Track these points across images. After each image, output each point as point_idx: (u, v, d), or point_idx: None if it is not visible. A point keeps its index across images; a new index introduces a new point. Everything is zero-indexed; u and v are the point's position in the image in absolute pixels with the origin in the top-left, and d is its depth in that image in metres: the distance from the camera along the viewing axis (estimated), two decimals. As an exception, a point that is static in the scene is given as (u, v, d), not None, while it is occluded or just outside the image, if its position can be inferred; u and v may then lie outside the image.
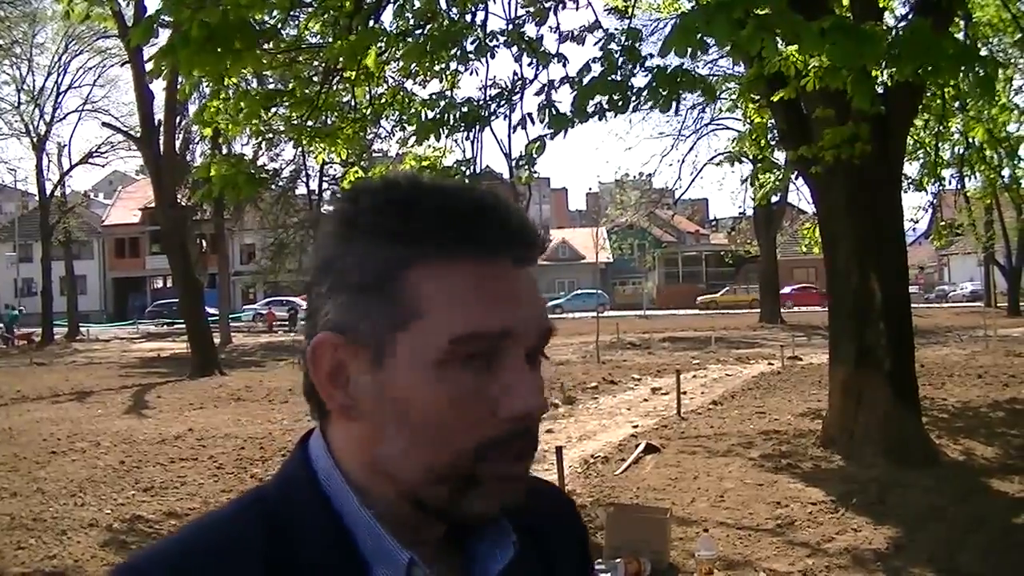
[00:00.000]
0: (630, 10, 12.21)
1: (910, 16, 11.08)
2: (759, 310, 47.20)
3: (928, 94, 13.80)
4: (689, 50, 6.12)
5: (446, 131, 9.99)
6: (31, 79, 48.20)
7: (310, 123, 11.09)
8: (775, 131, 15.04)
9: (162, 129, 28.45)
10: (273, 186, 48.47)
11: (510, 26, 10.16)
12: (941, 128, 17.95)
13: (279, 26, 9.77)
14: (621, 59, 8.20)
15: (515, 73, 10.28)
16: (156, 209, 33.60)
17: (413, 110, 10.53)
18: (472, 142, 10.60)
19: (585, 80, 8.14)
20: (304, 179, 48.49)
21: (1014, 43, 19.17)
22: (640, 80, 8.07)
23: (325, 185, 46.83)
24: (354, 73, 10.44)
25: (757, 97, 12.87)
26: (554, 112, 8.67)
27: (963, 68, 7.15)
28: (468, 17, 10.18)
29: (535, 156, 9.31)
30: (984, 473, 10.14)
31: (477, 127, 10.22)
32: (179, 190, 29.65)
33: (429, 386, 1.01)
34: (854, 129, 9.63)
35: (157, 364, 31.80)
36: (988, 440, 11.88)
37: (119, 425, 15.97)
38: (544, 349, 1.09)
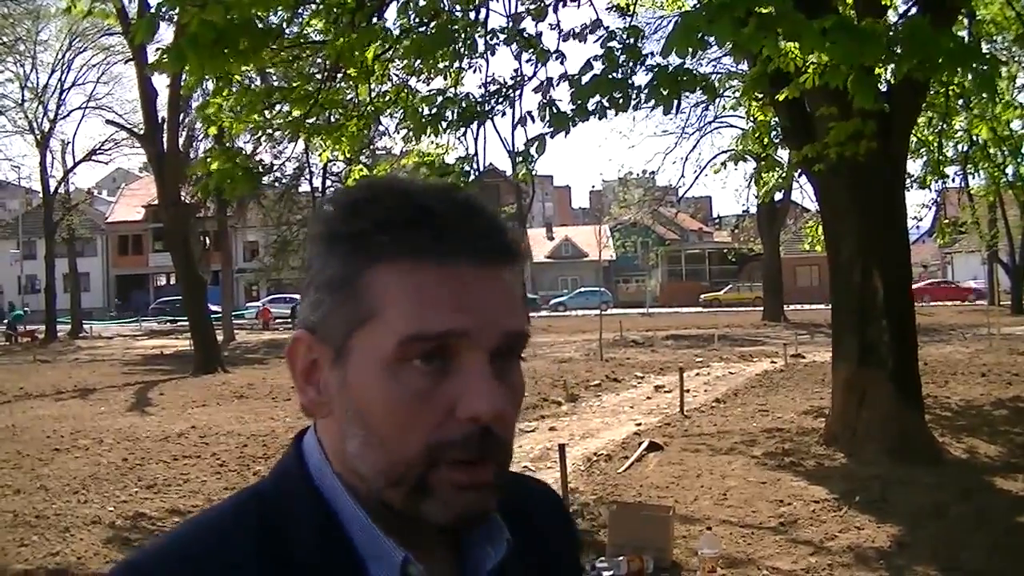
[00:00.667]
0: (632, 8, 12.19)
1: (911, 13, 11.08)
2: (762, 308, 47.17)
3: (932, 92, 13.79)
4: (691, 49, 6.12)
5: (444, 127, 10.00)
6: (35, 76, 48.34)
7: (311, 120, 11.09)
8: (778, 129, 15.03)
9: (165, 126, 28.45)
10: (276, 183, 48.52)
11: (510, 23, 10.16)
12: (945, 126, 17.96)
13: (284, 25, 9.77)
14: (623, 57, 8.19)
15: (515, 70, 10.28)
16: (159, 206, 33.59)
17: (413, 107, 10.54)
18: (475, 139, 10.60)
19: (586, 78, 8.13)
20: (307, 176, 48.46)
21: (1015, 39, 19.14)
22: (642, 78, 8.07)
23: (328, 183, 46.76)
24: (356, 70, 10.45)
25: (760, 95, 12.85)
26: (554, 111, 8.66)
27: (962, 65, 7.14)
28: (472, 15, 10.18)
29: (535, 155, 9.31)
30: (987, 471, 10.13)
31: (476, 124, 10.22)
32: (182, 187, 29.59)
33: (379, 386, 1.01)
34: (859, 125, 9.62)
35: (160, 361, 31.82)
36: (991, 438, 11.87)
37: (122, 422, 15.99)
38: (516, 351, 1.07)
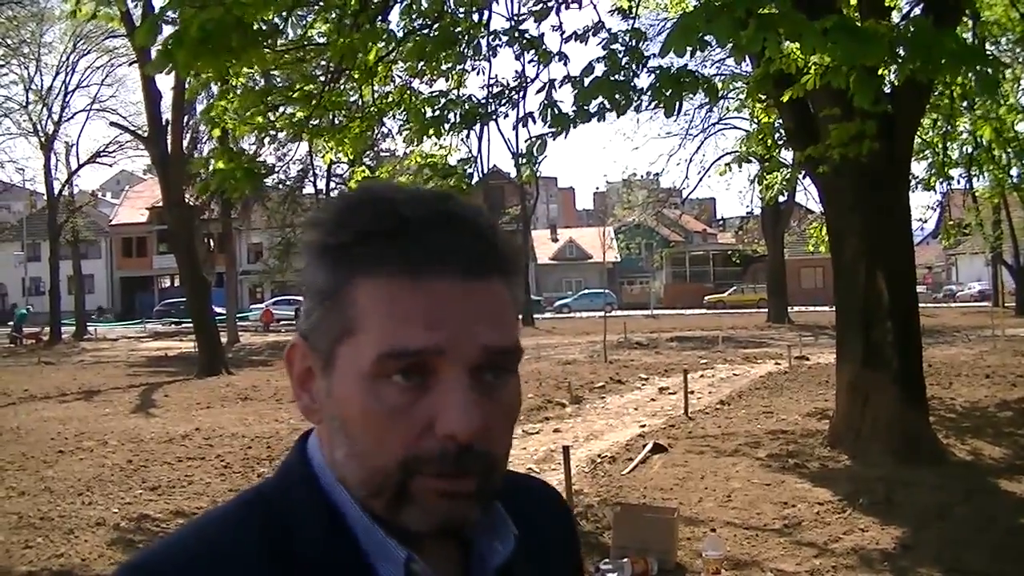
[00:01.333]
0: (634, 10, 12.19)
1: (914, 14, 11.07)
2: (766, 309, 47.15)
3: (936, 93, 13.78)
4: (690, 50, 6.11)
5: (447, 129, 10.00)
6: (39, 79, 48.60)
7: (315, 121, 11.10)
8: (782, 130, 15.03)
9: (169, 128, 28.47)
10: (280, 185, 48.53)
11: (512, 24, 10.17)
12: (949, 127, 17.93)
13: (281, 25, 9.77)
14: (625, 60, 8.19)
15: (518, 72, 10.28)
16: (163, 208, 33.63)
17: (416, 108, 10.55)
18: (478, 141, 10.61)
19: (587, 80, 8.13)
20: (311, 178, 48.46)
21: (1019, 40, 19.13)
22: (644, 80, 8.07)
23: (332, 185, 46.76)
24: (359, 72, 10.46)
25: (764, 97, 12.85)
26: (556, 112, 8.66)
27: (965, 67, 7.14)
28: (474, 17, 10.19)
29: (536, 155, 9.31)
30: (992, 473, 10.12)
31: (479, 126, 10.22)
32: (186, 189, 29.61)
33: (358, 399, 1.02)
34: (861, 126, 9.61)
35: (164, 363, 31.85)
36: (996, 440, 11.86)
37: (126, 424, 16.00)
38: (505, 366, 1.05)
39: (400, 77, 12.38)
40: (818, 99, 10.22)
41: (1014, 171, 23.97)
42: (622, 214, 60.81)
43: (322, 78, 11.45)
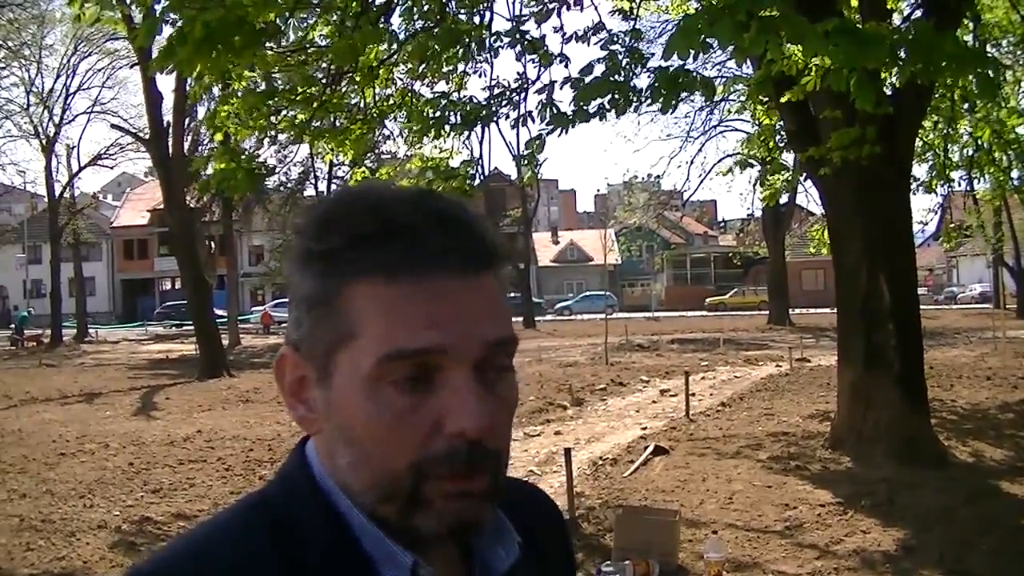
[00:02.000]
0: (635, 11, 12.20)
1: (915, 16, 11.08)
2: (767, 312, 47.14)
3: (937, 95, 13.78)
4: (692, 52, 6.12)
5: (448, 131, 10.01)
6: (40, 81, 48.30)
7: (316, 124, 11.11)
8: (783, 132, 15.03)
9: (171, 131, 28.50)
10: (281, 187, 48.56)
11: (514, 25, 10.17)
12: (950, 130, 17.93)
13: (282, 25, 9.78)
14: (625, 60, 8.20)
15: (519, 73, 10.29)
16: (165, 210, 33.63)
17: (417, 110, 10.56)
18: (479, 143, 10.62)
19: (587, 80, 8.14)
20: (312, 180, 48.49)
21: (1019, 43, 19.14)
22: (643, 81, 8.08)
23: (334, 186, 46.80)
24: (360, 74, 10.47)
25: (765, 99, 12.85)
26: (555, 111, 8.67)
27: (966, 69, 7.14)
28: (476, 19, 10.20)
29: (535, 154, 9.32)
30: (993, 475, 10.11)
31: (480, 127, 10.23)
32: (188, 192, 29.62)
33: (363, 404, 1.01)
34: (861, 131, 9.62)
35: (165, 366, 31.85)
36: (997, 442, 11.85)
37: (128, 427, 16.00)
38: (504, 359, 1.06)
39: (401, 79, 12.39)
40: (819, 101, 10.23)
41: (1015, 173, 23.99)
42: (623, 216, 60.77)
43: (323, 80, 11.47)
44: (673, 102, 7.49)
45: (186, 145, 33.53)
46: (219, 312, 35.37)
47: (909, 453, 10.23)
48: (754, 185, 32.38)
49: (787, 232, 46.75)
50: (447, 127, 9.89)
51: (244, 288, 69.85)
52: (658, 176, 48.81)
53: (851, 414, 11.08)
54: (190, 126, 35.43)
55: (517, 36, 10.03)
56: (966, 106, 17.31)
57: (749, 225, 51.75)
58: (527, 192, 50.87)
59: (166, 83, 41.76)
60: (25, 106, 47.70)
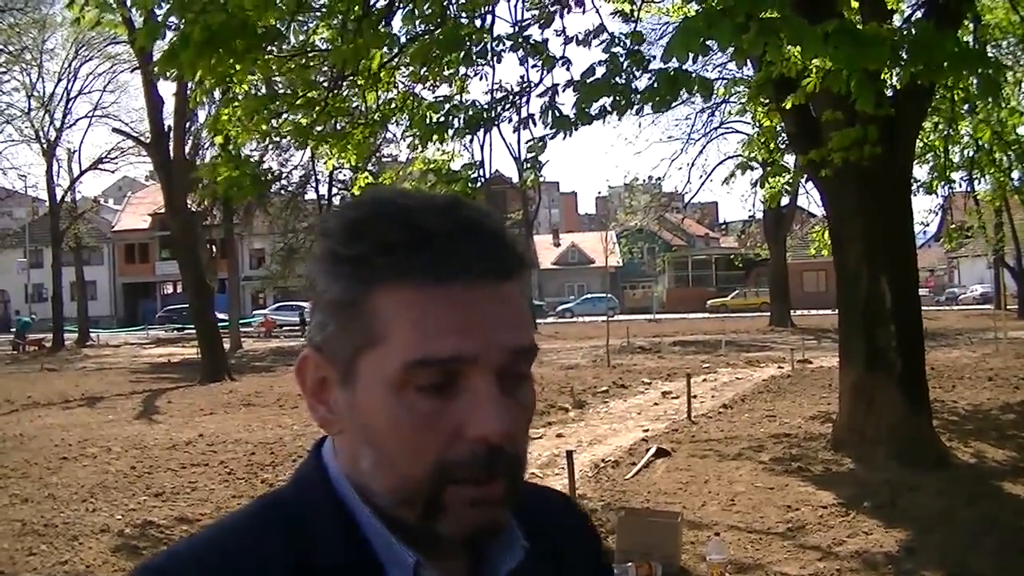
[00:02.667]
0: (636, 14, 12.20)
1: (915, 17, 11.09)
2: (769, 313, 47.14)
3: (937, 96, 13.78)
4: (691, 54, 6.12)
5: (451, 134, 10.01)
6: (41, 85, 48.32)
7: (318, 128, 11.12)
8: (784, 134, 15.03)
9: (172, 135, 28.51)
10: (283, 191, 48.54)
11: (516, 29, 10.18)
12: (950, 131, 17.92)
13: (284, 29, 9.80)
14: (626, 62, 8.20)
15: (521, 77, 10.30)
16: (166, 214, 33.61)
17: (419, 114, 10.56)
18: (481, 146, 10.62)
19: (588, 82, 8.14)
20: (314, 184, 48.50)
21: (1019, 43, 19.15)
22: (643, 83, 8.08)
23: (335, 190, 46.83)
24: (362, 78, 10.48)
25: (766, 101, 12.86)
26: (557, 114, 8.68)
27: (967, 70, 7.15)
28: (477, 22, 10.20)
29: (537, 156, 9.32)
30: (995, 476, 10.12)
31: (483, 131, 10.23)
32: (189, 195, 29.62)
33: (387, 409, 1.02)
34: (862, 132, 9.63)
35: (167, 369, 31.85)
36: (999, 443, 11.85)
37: (130, 430, 16.00)
38: (525, 366, 1.07)
39: (403, 83, 12.39)
40: (820, 102, 10.23)
41: (1015, 174, 23.98)
42: (624, 218, 60.81)
43: (325, 84, 11.47)
44: (669, 101, 7.49)
45: (187, 149, 33.54)
46: (220, 316, 35.36)
47: (911, 454, 10.23)
48: (755, 187, 32.33)
49: (788, 234, 46.75)
50: (450, 131, 9.90)
51: (245, 291, 69.89)
52: (659, 178, 48.70)
53: (853, 415, 11.08)
54: (191, 130, 35.41)
55: (519, 40, 10.04)
56: (966, 107, 17.31)
57: (750, 227, 51.79)
58: (528, 194, 50.89)
59: (167, 87, 41.77)
60: (26, 110, 47.82)
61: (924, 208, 67.08)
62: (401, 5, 10.42)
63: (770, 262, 46.81)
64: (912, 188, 14.24)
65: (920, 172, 19.15)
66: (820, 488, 9.64)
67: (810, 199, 40.41)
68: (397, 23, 10.80)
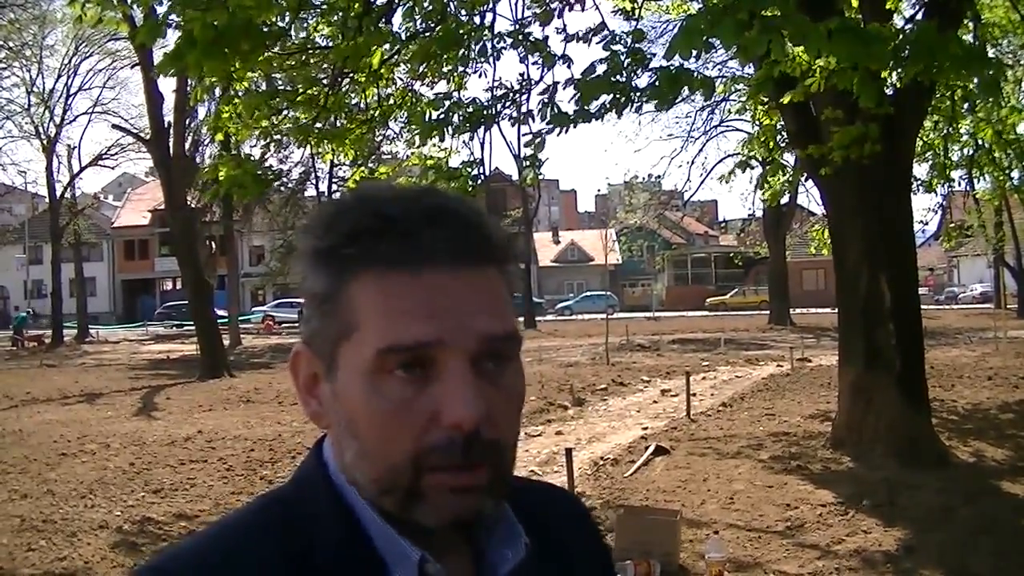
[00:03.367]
0: (636, 12, 12.19)
1: (917, 17, 11.08)
2: (768, 312, 47.14)
3: (937, 95, 13.78)
4: (694, 52, 6.12)
5: (450, 131, 10.01)
6: (41, 81, 48.32)
7: (318, 125, 11.12)
8: (784, 132, 15.02)
9: (171, 131, 28.51)
10: (282, 188, 48.55)
11: (516, 26, 10.18)
12: (950, 129, 17.93)
13: (288, 28, 9.80)
14: (626, 60, 8.20)
15: (521, 74, 10.29)
16: (165, 211, 33.66)
17: (419, 111, 10.56)
18: (481, 144, 10.61)
19: (588, 79, 8.13)
20: (313, 181, 48.51)
21: (1021, 44, 19.16)
22: (644, 80, 8.08)
23: (334, 187, 46.82)
24: (362, 75, 10.48)
25: (766, 99, 12.85)
26: (556, 111, 8.68)
27: (968, 69, 7.15)
28: (477, 19, 10.19)
29: (536, 152, 9.32)
30: (994, 475, 10.12)
31: (482, 128, 10.23)
32: (189, 192, 29.64)
33: (362, 397, 1.03)
34: (863, 129, 9.62)
35: (166, 366, 31.85)
36: (998, 442, 11.86)
37: (129, 427, 16.01)
38: (505, 354, 1.07)
39: (403, 80, 12.39)
40: (820, 101, 10.23)
41: (1015, 173, 23.97)
42: (624, 216, 60.84)
43: (325, 81, 11.46)
44: (670, 99, 7.49)
45: (187, 145, 33.54)
46: (220, 312, 35.37)
47: (910, 453, 10.23)
48: (755, 185, 32.34)
49: (788, 232, 46.74)
50: (450, 128, 9.90)
51: (245, 288, 69.84)
52: (659, 176, 49.02)
53: (852, 414, 11.08)
54: (191, 126, 35.41)
55: (520, 37, 10.04)
56: (967, 106, 17.32)
57: (750, 225, 51.80)
58: (528, 192, 50.90)
59: (167, 83, 41.87)
60: (26, 106, 47.83)
61: (924, 207, 67.05)
62: (401, 2, 10.41)
63: (770, 260, 46.80)
64: (912, 187, 14.22)
65: (920, 171, 19.15)
66: (819, 487, 9.64)
67: (810, 197, 40.49)
68: (398, 20, 10.81)
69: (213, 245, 57.34)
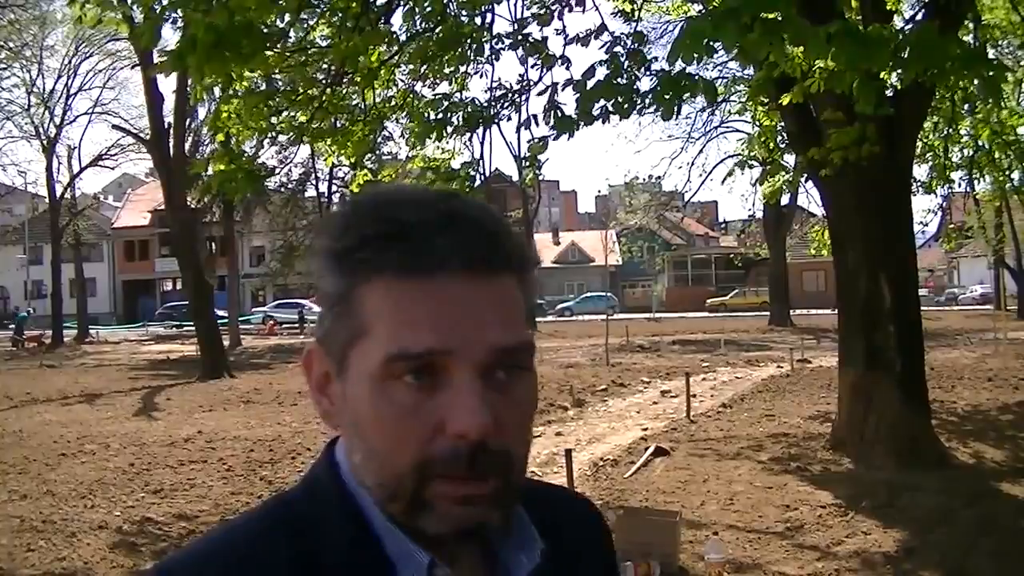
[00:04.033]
0: (636, 13, 12.20)
1: (917, 18, 11.08)
2: (768, 313, 47.14)
3: (937, 96, 13.78)
4: (696, 56, 6.12)
5: (449, 132, 10.01)
6: (41, 82, 48.31)
7: (316, 124, 11.12)
8: (784, 133, 15.03)
9: (171, 132, 28.51)
10: (282, 189, 48.57)
11: (515, 27, 10.18)
12: (950, 131, 17.94)
13: (288, 29, 9.81)
14: (627, 63, 8.20)
15: (521, 75, 10.30)
16: (166, 211, 33.66)
17: (419, 112, 10.57)
18: (481, 144, 10.62)
19: (590, 83, 8.13)
20: (313, 182, 48.52)
21: (1020, 45, 19.17)
22: (645, 84, 8.08)
23: (334, 188, 46.84)
24: (361, 75, 10.48)
25: (766, 100, 12.85)
26: (559, 114, 8.68)
27: (969, 71, 7.15)
28: (477, 20, 10.20)
29: (537, 156, 9.33)
30: (994, 476, 10.12)
31: (482, 129, 10.23)
32: (189, 192, 29.62)
33: (370, 401, 1.02)
34: (861, 131, 9.63)
35: (166, 366, 31.82)
36: (998, 443, 11.86)
37: (128, 427, 15.99)
38: (516, 363, 1.05)
39: (402, 80, 12.40)
40: (820, 102, 10.24)
41: (1015, 174, 24.00)
42: (624, 217, 60.85)
43: (324, 81, 11.47)
44: (675, 106, 7.49)
45: (187, 146, 33.56)
46: (220, 313, 35.36)
47: (910, 454, 10.24)
48: (756, 182, 32.34)
49: (788, 233, 46.75)
50: (449, 129, 9.90)
51: (245, 289, 69.92)
52: (659, 177, 48.74)
53: (852, 415, 11.08)
54: (191, 127, 35.47)
55: (519, 38, 10.04)
56: (966, 107, 17.34)
57: (750, 226, 51.76)
58: (528, 193, 50.91)
59: (167, 84, 41.90)
60: (26, 107, 47.84)
61: (923, 208, 66.98)
62: (401, 3, 10.42)
63: (770, 261, 46.81)
64: (912, 188, 14.24)
65: (920, 172, 19.19)
66: (819, 488, 9.64)
67: (810, 198, 40.48)
68: (397, 20, 10.82)
69: (213, 246, 57.49)
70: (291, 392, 20.24)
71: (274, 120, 11.28)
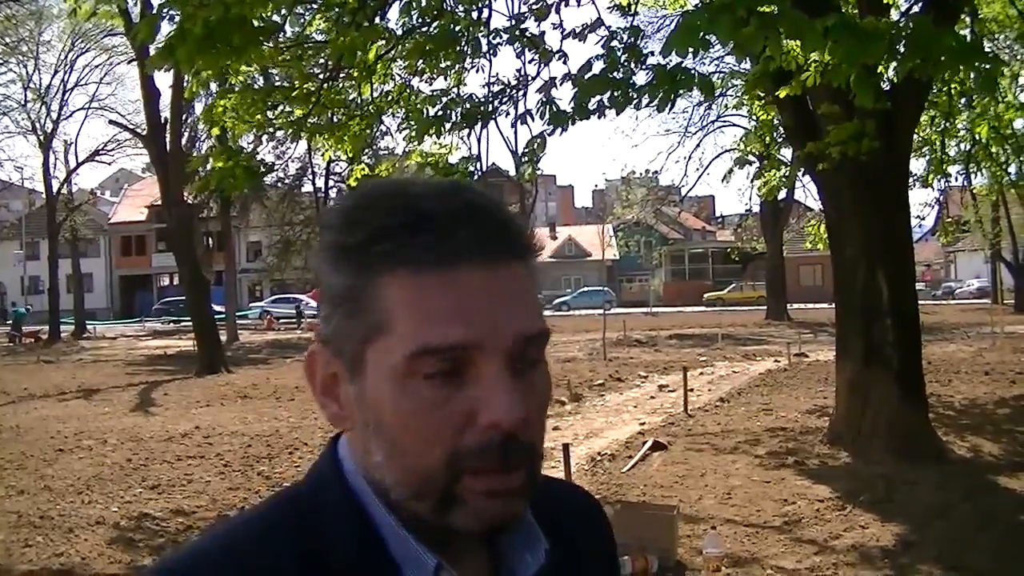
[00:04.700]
0: (633, 7, 12.18)
1: (913, 12, 11.07)
2: (765, 307, 47.18)
3: (935, 91, 13.78)
4: (691, 49, 6.11)
5: (448, 128, 10.00)
6: (37, 77, 48.46)
7: (313, 119, 11.11)
8: (781, 128, 15.02)
9: (168, 127, 28.48)
10: (279, 184, 48.53)
11: (512, 23, 10.17)
12: (947, 125, 17.94)
13: (283, 23, 9.79)
14: (624, 57, 8.19)
15: (518, 70, 10.28)
16: (162, 207, 33.61)
17: (416, 107, 10.56)
18: (478, 140, 10.61)
19: (587, 78, 8.12)
20: (310, 177, 48.48)
21: (1016, 38, 19.16)
22: (642, 78, 8.07)
23: (331, 183, 46.81)
24: (358, 70, 10.47)
25: (762, 95, 12.85)
26: (554, 109, 8.66)
27: (965, 64, 7.14)
28: (474, 15, 10.19)
29: (537, 154, 9.31)
30: (991, 470, 10.13)
31: (480, 124, 10.22)
32: (186, 188, 29.58)
33: (395, 399, 0.99)
34: (859, 126, 9.62)
35: (163, 362, 31.82)
36: (995, 437, 11.87)
37: (126, 423, 16.00)
38: (535, 352, 1.04)
39: (399, 75, 12.38)
40: (817, 96, 10.23)
41: (1012, 168, 23.99)
42: (621, 212, 60.69)
43: (321, 76, 11.45)
44: (670, 100, 7.48)
45: (184, 141, 33.54)
46: (217, 308, 35.34)
47: (907, 448, 10.24)
48: (752, 177, 32.36)
49: (785, 227, 46.77)
50: (447, 125, 9.89)
51: (242, 284, 69.87)
52: (656, 172, 48.77)
53: (849, 409, 11.09)
54: (188, 122, 35.41)
55: (516, 33, 10.03)
56: (964, 101, 17.34)
57: (747, 220, 51.83)
58: (525, 188, 50.87)
59: (163, 79, 41.79)
60: (23, 102, 47.83)
61: (920, 202, 67.01)
62: (397, -2, 10.41)
63: (767, 256, 46.87)
64: (909, 182, 14.23)
65: (916, 166, 19.19)
66: (816, 482, 9.65)
67: (807, 193, 40.42)
68: (394, 15, 10.80)
69: (210, 241, 57.36)
70: (288, 387, 20.25)
71: (271, 115, 11.26)
